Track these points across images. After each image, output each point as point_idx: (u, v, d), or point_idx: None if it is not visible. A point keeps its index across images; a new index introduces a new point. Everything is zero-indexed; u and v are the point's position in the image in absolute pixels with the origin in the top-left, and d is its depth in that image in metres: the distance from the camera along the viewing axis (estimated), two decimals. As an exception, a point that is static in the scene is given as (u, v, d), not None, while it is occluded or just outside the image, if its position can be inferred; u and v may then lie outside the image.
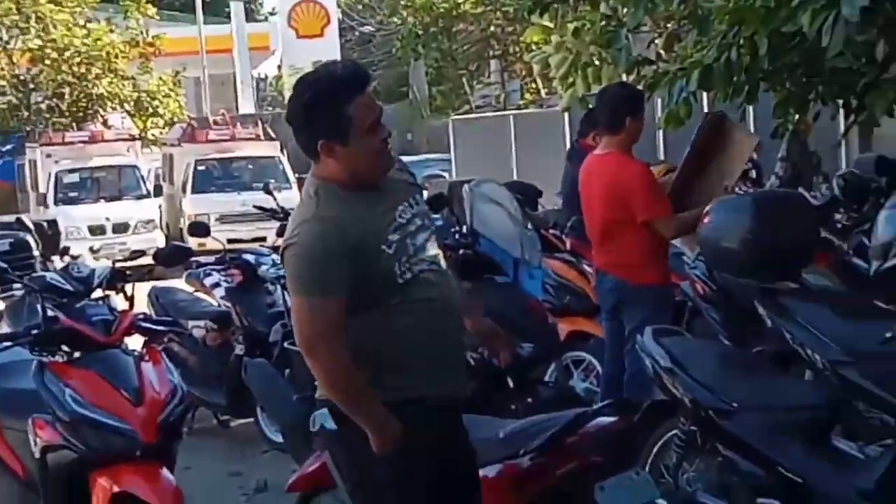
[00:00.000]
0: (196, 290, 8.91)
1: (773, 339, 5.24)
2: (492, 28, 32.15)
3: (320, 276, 3.37)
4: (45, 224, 14.83)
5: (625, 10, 7.76)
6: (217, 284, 8.38)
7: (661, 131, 11.11)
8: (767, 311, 5.19)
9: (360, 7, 43.22)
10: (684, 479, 4.70)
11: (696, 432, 4.62)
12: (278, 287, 7.27)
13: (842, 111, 8.72)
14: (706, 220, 5.69)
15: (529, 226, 6.37)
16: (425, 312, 3.48)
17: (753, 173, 10.73)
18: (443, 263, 3.62)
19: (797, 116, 8.27)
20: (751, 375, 4.68)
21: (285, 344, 6.88)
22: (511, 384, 5.38)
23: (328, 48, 36.54)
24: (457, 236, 6.03)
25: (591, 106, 8.32)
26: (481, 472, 4.13)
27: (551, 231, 7.74)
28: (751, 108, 8.86)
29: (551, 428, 4.04)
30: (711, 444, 4.55)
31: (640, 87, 7.70)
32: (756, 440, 4.34)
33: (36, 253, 10.93)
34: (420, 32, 34.48)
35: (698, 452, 4.68)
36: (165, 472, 4.83)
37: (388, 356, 3.49)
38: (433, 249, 3.57)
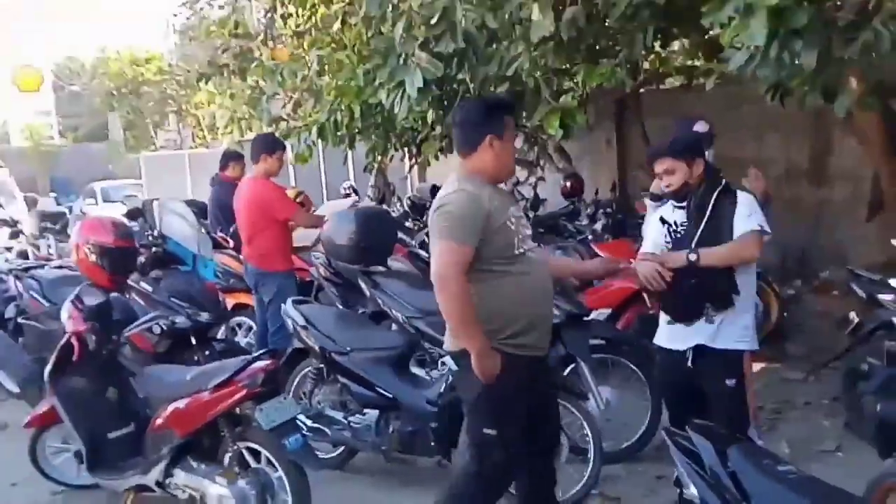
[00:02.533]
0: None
1: (371, 304, 5.38)
2: (169, 91, 30.92)
3: (462, 228, 3.05)
4: None
5: (264, 82, 7.70)
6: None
7: (292, 166, 11.06)
8: (366, 285, 5.32)
9: (67, 71, 39.91)
10: (316, 401, 4.71)
11: (323, 369, 4.65)
12: (11, 277, 6.53)
13: (407, 156, 9.10)
14: (326, 227, 5.76)
15: (203, 230, 6.15)
16: (531, 281, 3.19)
17: (355, 197, 10.96)
18: (538, 251, 3.38)
19: (380, 158, 8.52)
20: (358, 328, 4.74)
21: (19, 319, 6.24)
22: (194, 341, 5.16)
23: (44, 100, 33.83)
24: (150, 238, 5.70)
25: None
26: (175, 405, 3.97)
27: (219, 234, 7.49)
28: (350, 152, 9.05)
29: (225, 371, 3.91)
30: (334, 376, 4.59)
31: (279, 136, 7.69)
32: (363, 371, 4.43)
33: None
34: (114, 93, 33.17)
35: (325, 382, 4.70)
36: None
37: (507, 314, 3.14)
38: (531, 241, 3.32)
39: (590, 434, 4.07)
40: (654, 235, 3.69)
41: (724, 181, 3.55)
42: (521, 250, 3.17)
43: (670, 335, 3.58)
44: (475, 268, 3.09)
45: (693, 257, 3.38)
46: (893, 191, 6.03)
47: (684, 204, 3.56)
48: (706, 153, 3.86)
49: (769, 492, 2.37)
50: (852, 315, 4.75)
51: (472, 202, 3.08)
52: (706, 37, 6.06)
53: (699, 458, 2.61)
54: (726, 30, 3.90)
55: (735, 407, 3.43)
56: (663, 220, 3.62)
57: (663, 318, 3.64)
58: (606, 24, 5.29)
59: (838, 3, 3.80)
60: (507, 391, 3.14)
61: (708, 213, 3.46)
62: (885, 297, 4.43)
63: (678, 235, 3.55)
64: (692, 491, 2.60)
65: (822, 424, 4.94)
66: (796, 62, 3.80)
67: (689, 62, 8.03)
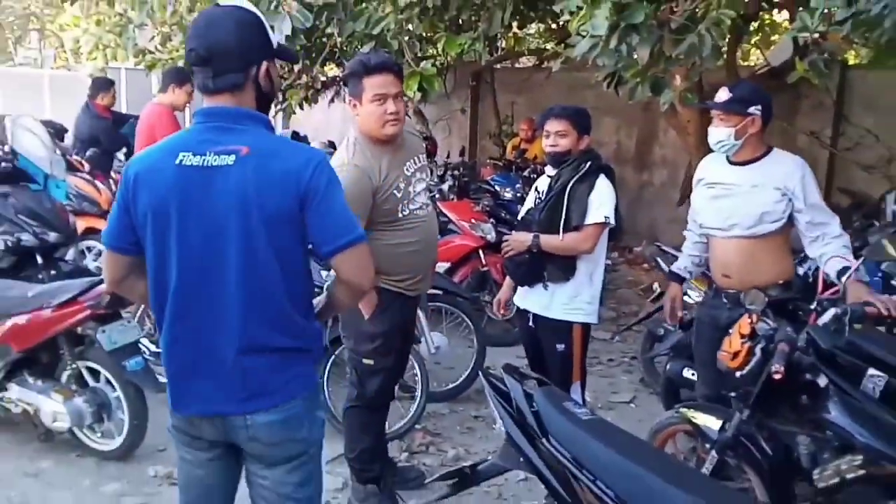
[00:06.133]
0: None
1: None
2: (32, 8, 28.51)
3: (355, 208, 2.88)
4: None
5: (132, 11, 7.31)
6: None
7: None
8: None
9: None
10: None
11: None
12: None
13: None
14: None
15: (57, 151, 5.81)
16: (413, 235, 3.27)
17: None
18: (428, 203, 3.40)
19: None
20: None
21: None
22: (40, 260, 4.89)
23: None
24: (0, 153, 5.34)
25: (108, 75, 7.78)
26: (14, 320, 3.81)
27: (75, 157, 7.08)
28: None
29: (70, 290, 3.78)
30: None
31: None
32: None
33: None
34: (-33, 5, 30.16)
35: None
36: None
37: (388, 265, 3.20)
38: (424, 195, 3.35)
39: (419, 374, 4.21)
40: (529, 201, 3.79)
41: (597, 165, 3.54)
42: (406, 212, 3.25)
43: (521, 295, 3.73)
44: None
45: (535, 243, 3.53)
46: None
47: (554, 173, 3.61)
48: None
49: (565, 430, 2.56)
50: (656, 285, 5.14)
51: (359, 181, 3.09)
52: (558, 23, 6.29)
53: (509, 397, 2.78)
54: (575, 17, 4.09)
55: (562, 368, 3.60)
56: (537, 189, 3.70)
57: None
58: (470, -3, 5.38)
59: (673, 6, 4.06)
60: (384, 326, 3.31)
61: (559, 193, 3.50)
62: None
63: (538, 204, 3.63)
64: (499, 426, 2.77)
65: (622, 379, 5.33)
66: (632, 55, 4.05)
67: (542, 45, 8.28)
